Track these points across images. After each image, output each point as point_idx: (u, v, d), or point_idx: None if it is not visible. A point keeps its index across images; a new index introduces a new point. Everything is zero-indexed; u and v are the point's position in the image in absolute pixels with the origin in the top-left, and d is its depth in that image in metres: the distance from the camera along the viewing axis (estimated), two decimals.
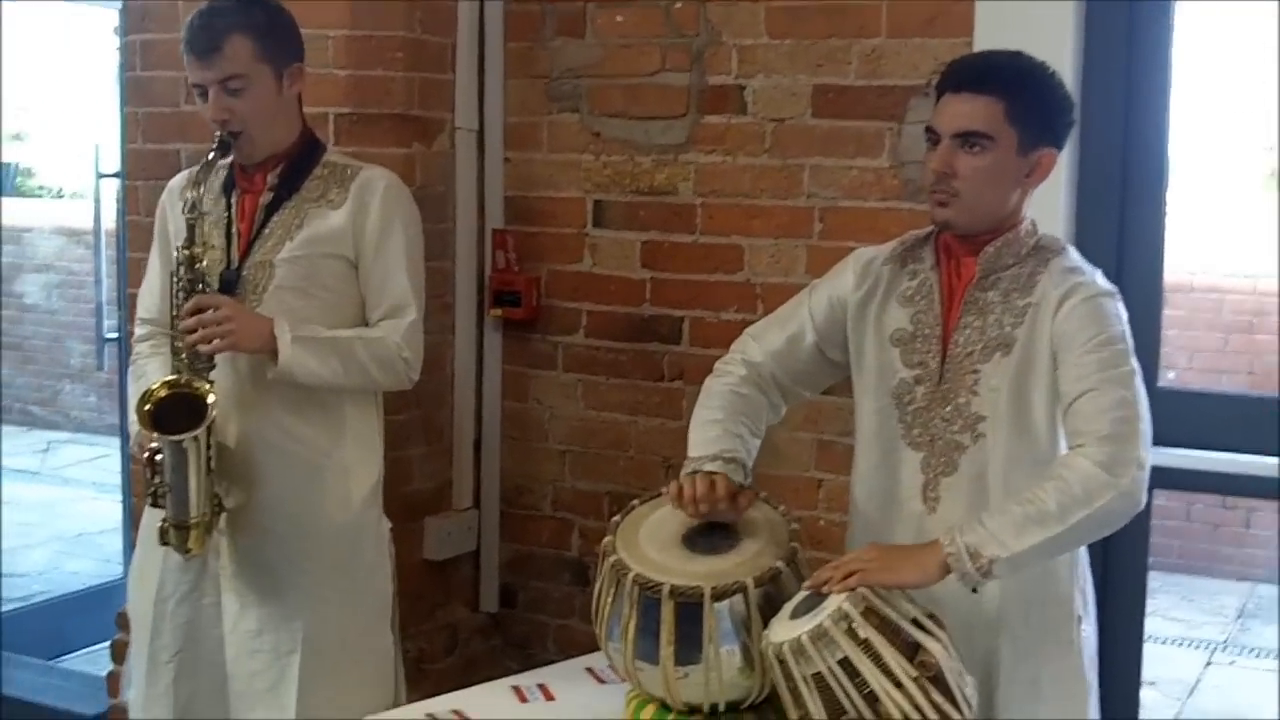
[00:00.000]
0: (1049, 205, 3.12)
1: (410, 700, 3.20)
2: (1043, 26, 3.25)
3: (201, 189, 2.94)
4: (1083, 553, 2.61)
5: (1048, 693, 2.56)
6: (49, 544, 7.08)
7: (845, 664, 2.31)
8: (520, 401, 3.99)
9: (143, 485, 3.01)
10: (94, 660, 4.76)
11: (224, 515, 3.01)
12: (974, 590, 2.41)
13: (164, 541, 2.97)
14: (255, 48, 2.93)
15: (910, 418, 2.60)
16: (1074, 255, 2.57)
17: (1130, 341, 2.46)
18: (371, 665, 3.17)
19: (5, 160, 11.38)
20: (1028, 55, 2.54)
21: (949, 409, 2.55)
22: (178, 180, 3.16)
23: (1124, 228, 3.31)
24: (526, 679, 2.91)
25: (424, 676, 3.78)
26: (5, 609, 5.07)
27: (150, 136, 3.95)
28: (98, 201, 5.31)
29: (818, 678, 2.33)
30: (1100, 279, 2.53)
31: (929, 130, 2.54)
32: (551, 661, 3.28)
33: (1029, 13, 3.26)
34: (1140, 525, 3.04)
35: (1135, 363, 2.44)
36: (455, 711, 2.74)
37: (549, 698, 2.82)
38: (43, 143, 13.21)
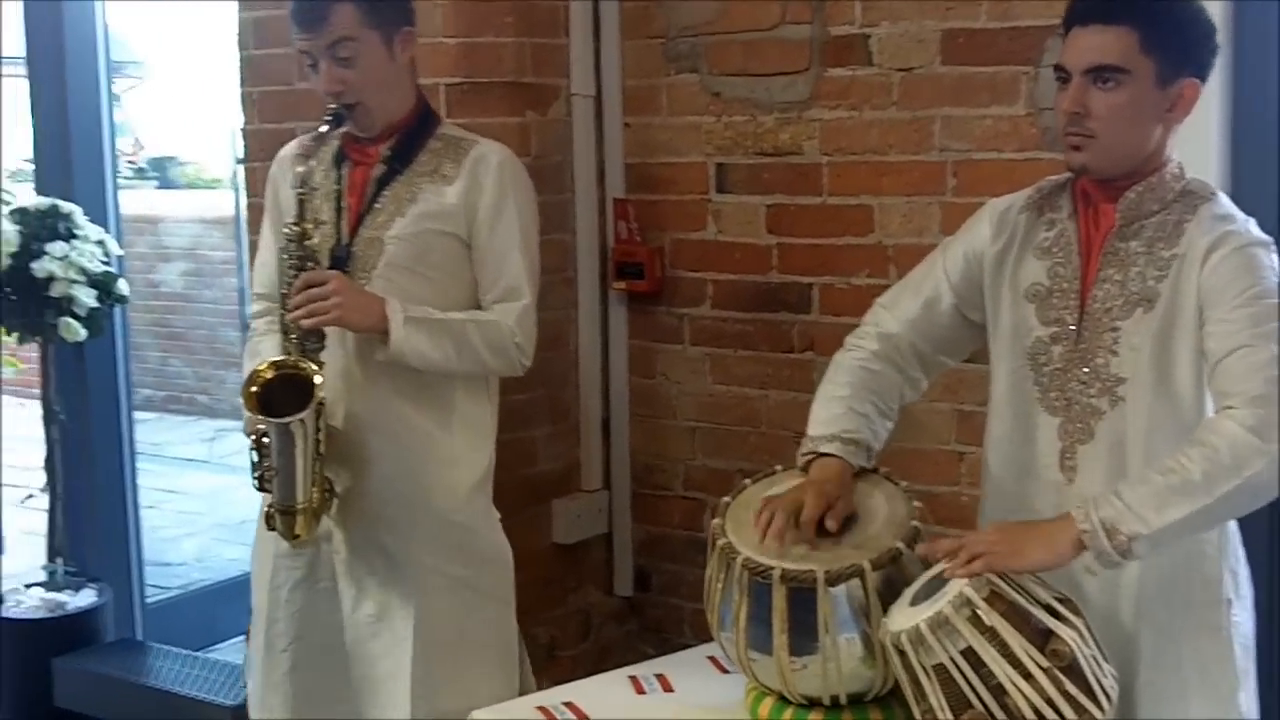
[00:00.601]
0: (1198, 150, 2.86)
1: (542, 688, 3.08)
2: None
3: (312, 162, 2.86)
4: (1233, 527, 2.36)
5: (1193, 683, 2.32)
6: (211, 531, 7.14)
7: (969, 654, 2.12)
8: (647, 378, 3.84)
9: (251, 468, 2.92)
10: (240, 649, 4.75)
11: (335, 501, 2.92)
12: (1091, 572, 2.19)
13: (270, 527, 2.89)
14: (361, 13, 2.81)
15: (1047, 380, 2.38)
16: (1225, 202, 2.32)
17: None
18: (492, 655, 3.05)
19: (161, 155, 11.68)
20: None
21: (1086, 370, 2.33)
22: (287, 151, 3.06)
23: None
24: (645, 669, 2.77)
25: (556, 663, 3.67)
26: (157, 599, 5.09)
27: (266, 116, 3.88)
28: (237, 188, 5.30)
29: (939, 669, 2.14)
30: (1254, 228, 2.28)
31: (1058, 69, 2.32)
32: (688, 646, 3.13)
33: None
34: None
35: None
36: (568, 703, 2.62)
37: (667, 689, 2.69)
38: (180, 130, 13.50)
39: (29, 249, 4.40)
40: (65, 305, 4.39)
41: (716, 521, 2.47)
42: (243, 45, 3.90)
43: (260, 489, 2.88)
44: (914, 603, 2.23)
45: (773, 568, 2.32)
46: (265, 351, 2.95)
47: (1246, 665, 2.37)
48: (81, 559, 4.74)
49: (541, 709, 2.60)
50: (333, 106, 2.83)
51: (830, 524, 2.36)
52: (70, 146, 4.67)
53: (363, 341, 2.87)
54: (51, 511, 4.64)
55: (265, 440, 2.83)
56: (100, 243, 4.53)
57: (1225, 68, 2.99)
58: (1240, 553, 2.39)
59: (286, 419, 2.76)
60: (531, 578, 3.64)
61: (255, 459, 2.86)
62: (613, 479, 3.88)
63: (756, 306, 3.64)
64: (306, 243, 2.81)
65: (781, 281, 3.60)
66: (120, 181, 5.09)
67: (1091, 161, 2.29)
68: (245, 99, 3.95)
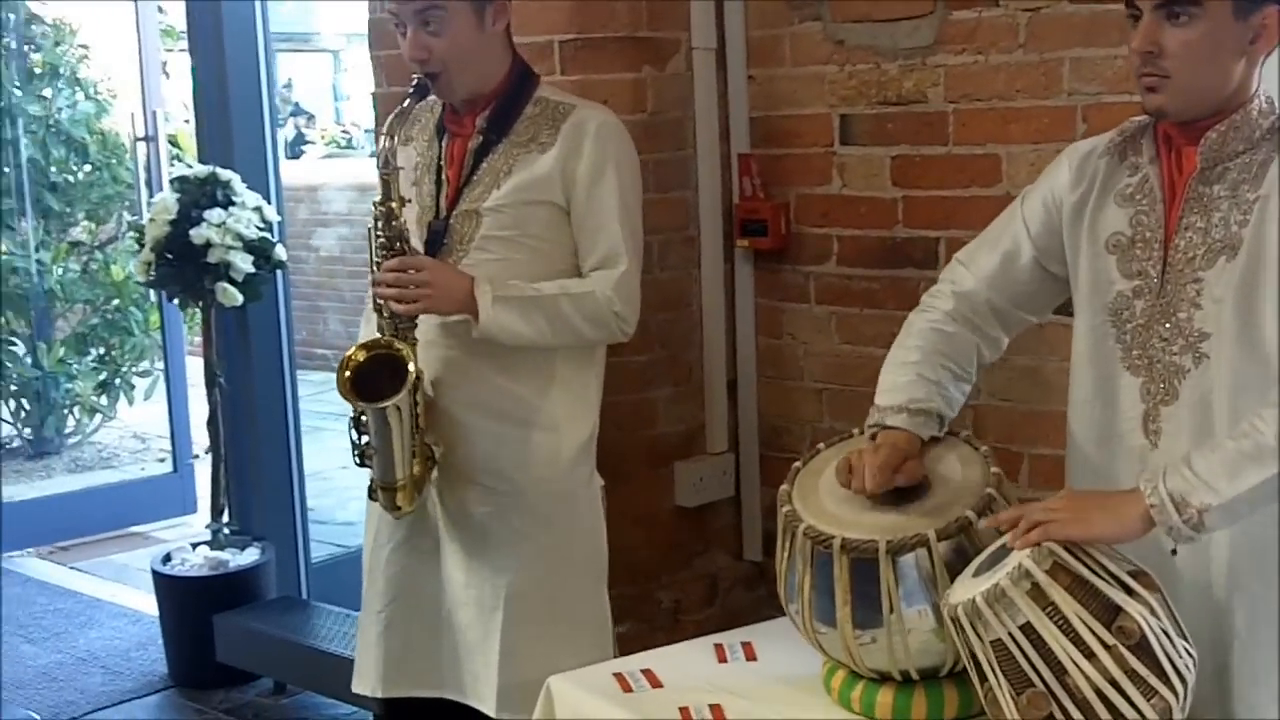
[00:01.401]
0: None
1: None
2: None
3: (395, 140, 2.82)
4: None
5: None
6: None
7: (1028, 629, 1.99)
8: (774, 338, 3.75)
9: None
10: None
11: (436, 468, 2.91)
12: (1174, 553, 2.03)
13: (372, 498, 2.91)
14: None
15: (1129, 337, 2.21)
16: None
17: None
18: (583, 627, 3.01)
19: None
20: None
21: (1169, 326, 2.16)
22: (389, 117, 3.03)
23: None
24: (732, 636, 2.68)
25: (680, 628, 3.62)
26: (322, 558, 5.20)
27: (393, 79, 3.89)
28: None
29: (998, 644, 2.01)
30: None
31: (1129, 4, 2.15)
32: None
33: None
34: None
35: None
36: (645, 670, 2.55)
37: (751, 657, 2.59)
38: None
39: (188, 216, 4.52)
40: (223, 271, 4.50)
41: (784, 488, 2.37)
42: (371, 9, 3.91)
43: (361, 465, 2.89)
44: (977, 574, 2.10)
45: (834, 537, 2.22)
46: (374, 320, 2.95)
47: None
48: (247, 519, 4.88)
49: (617, 675, 2.53)
50: (416, 75, 2.80)
51: (899, 479, 2.25)
52: (230, 117, 4.78)
53: (459, 317, 2.85)
54: (215, 472, 4.78)
55: (364, 419, 2.83)
56: (258, 209, 4.62)
57: None
58: None
59: (381, 404, 2.76)
60: (654, 540, 3.61)
61: (354, 438, 2.87)
62: (740, 442, 3.80)
63: (882, 263, 3.51)
64: (395, 222, 2.79)
65: (908, 236, 3.46)
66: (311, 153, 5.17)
67: (1169, 104, 2.12)
68: (375, 62, 3.96)
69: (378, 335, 2.84)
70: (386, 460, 2.83)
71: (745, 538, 3.82)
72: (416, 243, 2.87)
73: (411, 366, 2.78)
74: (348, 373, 2.80)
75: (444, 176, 2.92)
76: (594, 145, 2.86)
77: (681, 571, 3.71)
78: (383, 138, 2.82)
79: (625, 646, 3.09)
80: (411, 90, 2.82)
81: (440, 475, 2.93)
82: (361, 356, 2.81)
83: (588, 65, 3.47)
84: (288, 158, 12.71)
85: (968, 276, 2.43)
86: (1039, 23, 3.19)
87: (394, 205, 2.80)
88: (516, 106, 2.90)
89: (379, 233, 2.80)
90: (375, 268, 2.82)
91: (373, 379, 2.78)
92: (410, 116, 2.91)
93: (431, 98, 2.87)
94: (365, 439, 2.85)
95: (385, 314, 2.81)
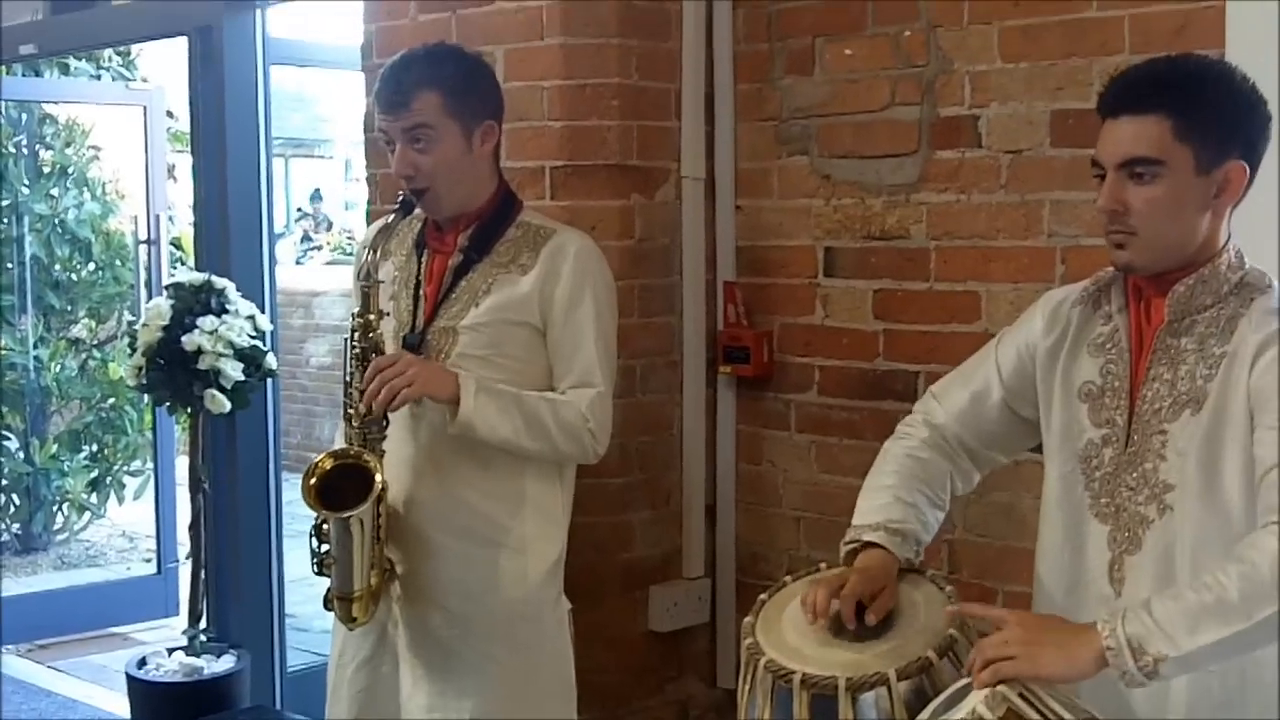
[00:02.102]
0: None
1: None
2: None
3: (377, 254, 2.86)
4: None
5: None
6: None
7: None
8: (754, 464, 3.77)
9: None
10: None
11: (396, 582, 2.92)
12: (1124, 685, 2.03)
13: (327, 608, 2.90)
14: (444, 102, 2.82)
15: (1098, 485, 2.23)
16: None
17: None
18: None
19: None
20: (1196, 57, 2.16)
21: (1135, 475, 2.17)
22: (372, 230, 3.08)
23: None
24: None
25: None
26: (298, 667, 5.16)
27: (386, 197, 3.94)
28: None
29: None
30: None
31: (1094, 163, 2.18)
32: None
33: None
34: None
35: None
36: None
37: None
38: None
39: (181, 322, 4.55)
40: (213, 378, 4.52)
41: (748, 620, 2.37)
42: (366, 127, 3.97)
43: (319, 573, 2.89)
44: (934, 716, 2.09)
45: (794, 671, 2.21)
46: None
47: None
48: (225, 625, 4.86)
49: None
50: (402, 192, 2.85)
51: (870, 618, 2.25)
52: (229, 223, 4.84)
53: (432, 431, 2.86)
54: (194, 578, 4.77)
55: (325, 526, 2.84)
56: (250, 317, 4.66)
57: None
58: None
59: (345, 514, 2.77)
60: (626, 665, 3.60)
61: (314, 546, 2.87)
62: (717, 567, 3.80)
63: (863, 394, 3.54)
64: (371, 334, 2.82)
65: (888, 369, 3.49)
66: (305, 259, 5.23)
67: (1136, 259, 2.15)
68: (370, 179, 4.03)
69: (346, 445, 2.85)
70: (345, 570, 2.83)
71: (719, 664, 3.80)
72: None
73: (378, 478, 2.79)
74: (313, 480, 2.81)
75: (422, 292, 2.95)
76: (572, 269, 2.89)
77: (653, 698, 3.69)
78: (365, 251, 2.86)
79: None
80: (397, 205, 2.86)
81: (404, 594, 2.93)
82: (329, 464, 2.82)
83: (578, 191, 3.53)
84: (296, 262, 12.84)
85: (939, 411, 2.45)
86: (1021, 165, 3.25)
87: (372, 318, 2.82)
88: (499, 227, 2.94)
89: (355, 344, 2.83)
90: (350, 378, 2.84)
91: (338, 488, 2.79)
92: (392, 232, 2.96)
93: (415, 212, 2.91)
94: (325, 548, 2.85)
95: (355, 424, 2.82)
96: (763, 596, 2.43)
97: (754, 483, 3.77)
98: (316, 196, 14.15)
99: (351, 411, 2.84)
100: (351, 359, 2.85)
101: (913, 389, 3.42)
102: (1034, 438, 2.41)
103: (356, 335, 2.84)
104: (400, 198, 2.87)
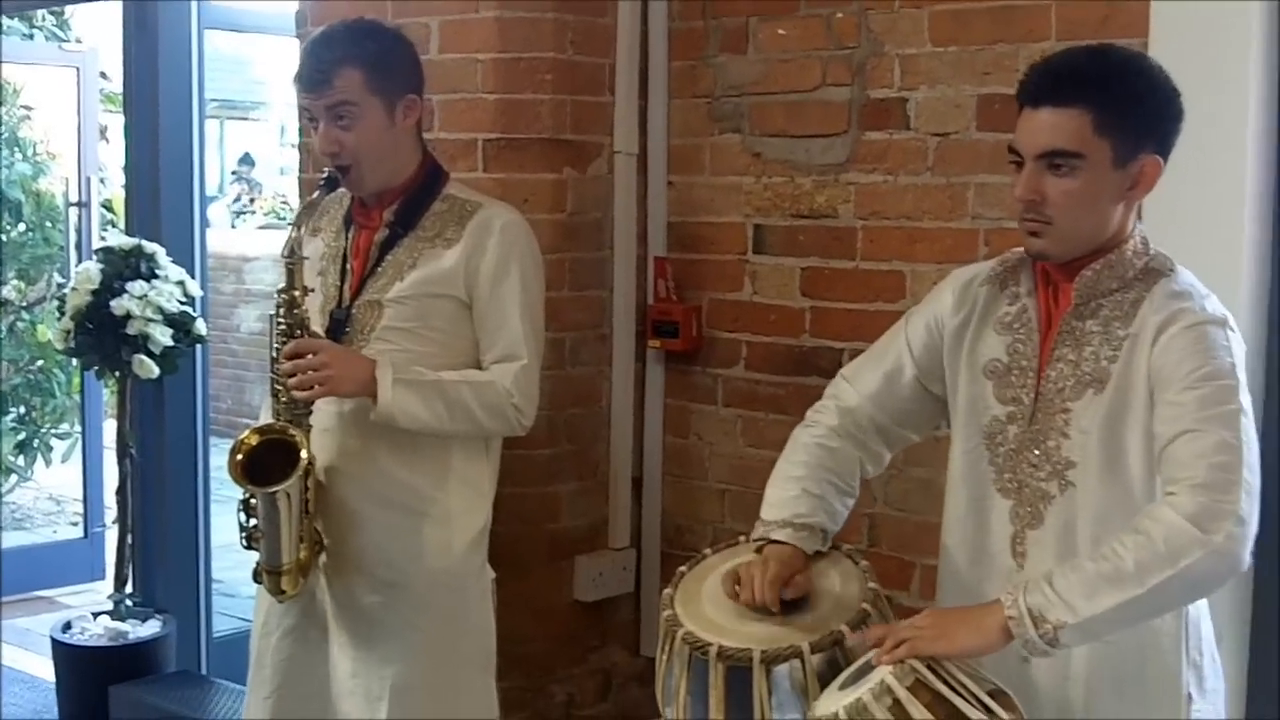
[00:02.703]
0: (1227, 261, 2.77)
1: None
2: (1226, 26, 2.87)
3: (302, 230, 2.86)
4: (1198, 617, 2.23)
5: None
6: None
7: None
8: (681, 437, 3.80)
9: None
10: None
11: (323, 554, 2.94)
12: (1025, 660, 2.09)
13: (257, 580, 2.92)
14: (365, 79, 2.83)
15: (1001, 460, 2.29)
16: (1184, 278, 2.21)
17: (1241, 377, 2.09)
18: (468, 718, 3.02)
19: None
20: (1117, 49, 2.21)
21: (1038, 453, 2.24)
22: (299, 207, 3.10)
23: None
24: None
25: None
26: (225, 632, 5.16)
27: (319, 165, 3.91)
28: None
29: None
30: (1212, 304, 2.17)
31: (1011, 150, 2.23)
32: None
33: (1210, 12, 2.88)
34: None
35: (1245, 401, 2.08)
36: None
37: None
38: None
39: (110, 287, 4.53)
40: (141, 343, 4.51)
41: (667, 592, 2.42)
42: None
43: (248, 548, 2.91)
44: (843, 687, 2.15)
45: (711, 644, 2.26)
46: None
47: None
48: (151, 590, 4.86)
49: None
50: (327, 169, 2.86)
51: (787, 592, 2.30)
52: (160, 186, 4.81)
53: (357, 405, 2.88)
54: (121, 542, 4.76)
55: (253, 502, 2.86)
56: (180, 283, 4.64)
57: (1267, 156, 2.87)
58: (1207, 643, 2.26)
59: (271, 489, 2.79)
60: (551, 634, 3.64)
61: (243, 520, 2.89)
62: (643, 538, 3.84)
63: (789, 370, 3.58)
64: (296, 310, 2.83)
65: (814, 345, 3.54)
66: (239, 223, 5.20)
67: (1050, 247, 2.21)
68: (302, 149, 4.02)
69: (272, 420, 2.86)
70: (273, 545, 2.85)
71: (643, 634, 3.85)
72: (318, 331, 2.90)
73: (304, 453, 2.80)
74: (239, 456, 2.82)
75: (349, 267, 2.97)
76: (499, 243, 2.92)
77: (577, 666, 3.73)
78: (290, 228, 2.86)
79: None
80: (321, 183, 2.87)
81: (330, 564, 2.95)
82: (254, 440, 2.84)
83: (510, 164, 3.54)
84: (232, 226, 12.72)
85: (851, 393, 2.49)
86: (947, 148, 3.30)
87: (296, 294, 2.83)
88: (425, 202, 2.96)
89: (280, 320, 2.84)
90: (275, 354, 2.85)
91: (265, 463, 2.80)
92: (320, 208, 2.97)
93: (341, 189, 2.92)
94: (253, 522, 2.87)
95: (282, 399, 2.84)
96: (682, 569, 2.48)
97: (680, 456, 3.81)
98: (247, 160, 14.02)
99: (279, 387, 2.86)
100: (277, 335, 2.86)
101: (838, 366, 3.36)
102: (944, 414, 2.48)
103: (281, 311, 2.85)
104: (325, 174, 2.88)
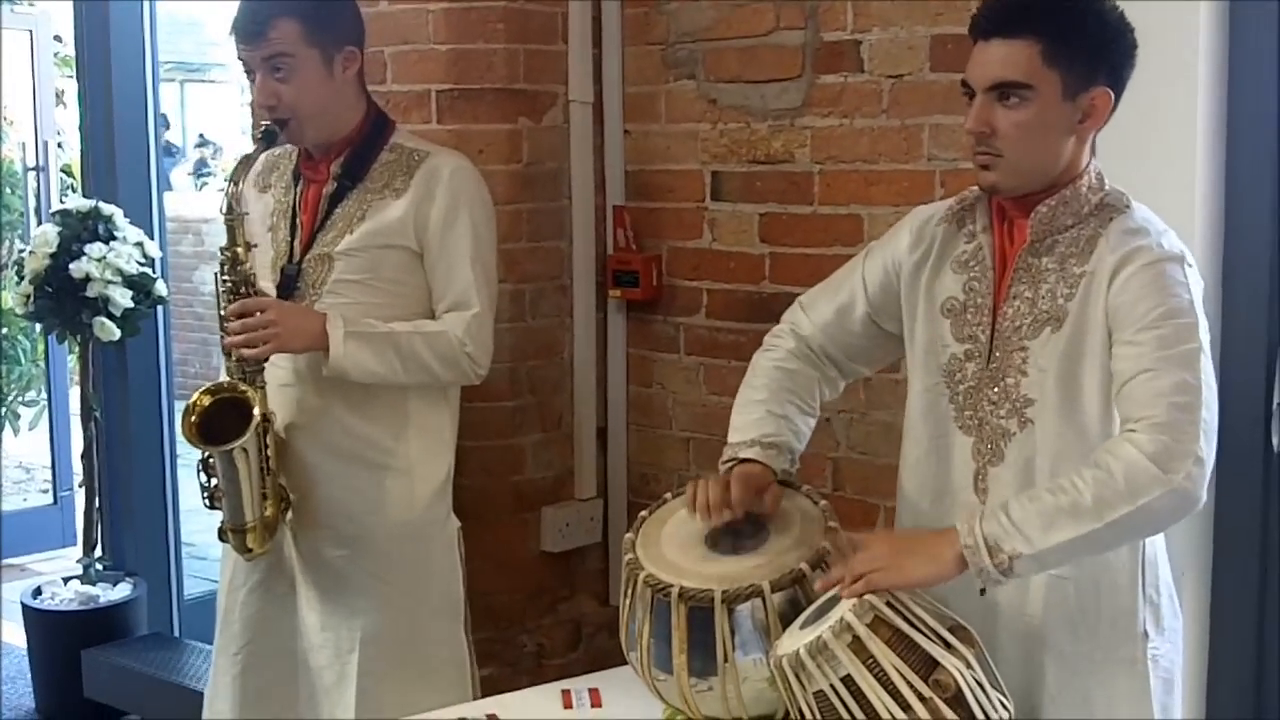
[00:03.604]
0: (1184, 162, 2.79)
1: None
2: None
3: (239, 186, 2.84)
4: (1154, 554, 2.25)
5: (1105, 716, 2.22)
6: None
7: (848, 681, 2.05)
8: (644, 386, 3.82)
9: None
10: None
11: (290, 510, 2.94)
12: (981, 592, 2.11)
13: (223, 539, 2.92)
14: (302, 30, 2.81)
15: (961, 399, 2.30)
16: (1140, 213, 2.21)
17: (1200, 315, 2.10)
18: (440, 668, 3.04)
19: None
20: None
21: (996, 390, 2.25)
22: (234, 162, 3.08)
23: None
24: (580, 682, 2.72)
25: (543, 672, 3.65)
26: (196, 594, 5.16)
27: None
28: None
29: (820, 695, 2.07)
30: (1169, 241, 2.17)
31: (963, 84, 2.23)
32: None
33: None
34: None
35: (1204, 339, 2.08)
36: (490, 715, 2.58)
37: (596, 704, 2.62)
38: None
39: (69, 249, 4.51)
40: (101, 305, 4.49)
41: (629, 536, 2.43)
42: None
43: (211, 508, 2.91)
44: (804, 625, 2.16)
45: (672, 585, 2.27)
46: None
47: (1167, 700, 2.27)
48: (120, 554, 4.86)
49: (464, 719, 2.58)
50: (265, 121, 2.85)
51: (764, 504, 2.34)
52: (115, 149, 4.78)
53: (311, 359, 2.88)
54: (89, 507, 4.75)
55: (211, 462, 2.86)
56: (139, 244, 4.62)
57: (1220, 132, 2.87)
58: (1164, 582, 2.28)
59: (225, 447, 2.78)
60: (519, 585, 3.65)
61: (204, 480, 2.89)
62: (609, 488, 3.86)
63: (749, 317, 3.58)
64: (240, 267, 2.82)
65: (774, 291, 3.54)
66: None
67: (1001, 180, 2.20)
68: (252, 106, 3.98)
69: (227, 378, 2.86)
70: (235, 503, 2.85)
71: (611, 583, 3.86)
72: (269, 287, 2.90)
73: (256, 409, 2.80)
74: (193, 417, 2.81)
75: (298, 221, 2.96)
76: (447, 190, 2.91)
77: (546, 616, 3.75)
78: (227, 184, 2.84)
79: (488, 690, 3.12)
80: (260, 136, 2.86)
81: (295, 519, 2.96)
82: (206, 401, 2.83)
83: (464, 115, 3.52)
84: (196, 189, 12.64)
85: (806, 321, 2.51)
86: (901, 90, 3.30)
87: (239, 250, 2.82)
88: (371, 153, 2.95)
89: (225, 277, 2.83)
90: (224, 313, 2.84)
91: (220, 422, 2.80)
92: (268, 163, 2.96)
93: (286, 144, 2.91)
94: (214, 481, 2.87)
95: (233, 357, 2.83)
96: (643, 514, 2.49)
97: (644, 405, 3.82)
98: (204, 142, 13.96)
99: (226, 345, 2.85)
100: (224, 294, 2.85)
101: None
102: (896, 351, 2.49)
103: (225, 269, 2.84)
104: (263, 128, 2.86)
